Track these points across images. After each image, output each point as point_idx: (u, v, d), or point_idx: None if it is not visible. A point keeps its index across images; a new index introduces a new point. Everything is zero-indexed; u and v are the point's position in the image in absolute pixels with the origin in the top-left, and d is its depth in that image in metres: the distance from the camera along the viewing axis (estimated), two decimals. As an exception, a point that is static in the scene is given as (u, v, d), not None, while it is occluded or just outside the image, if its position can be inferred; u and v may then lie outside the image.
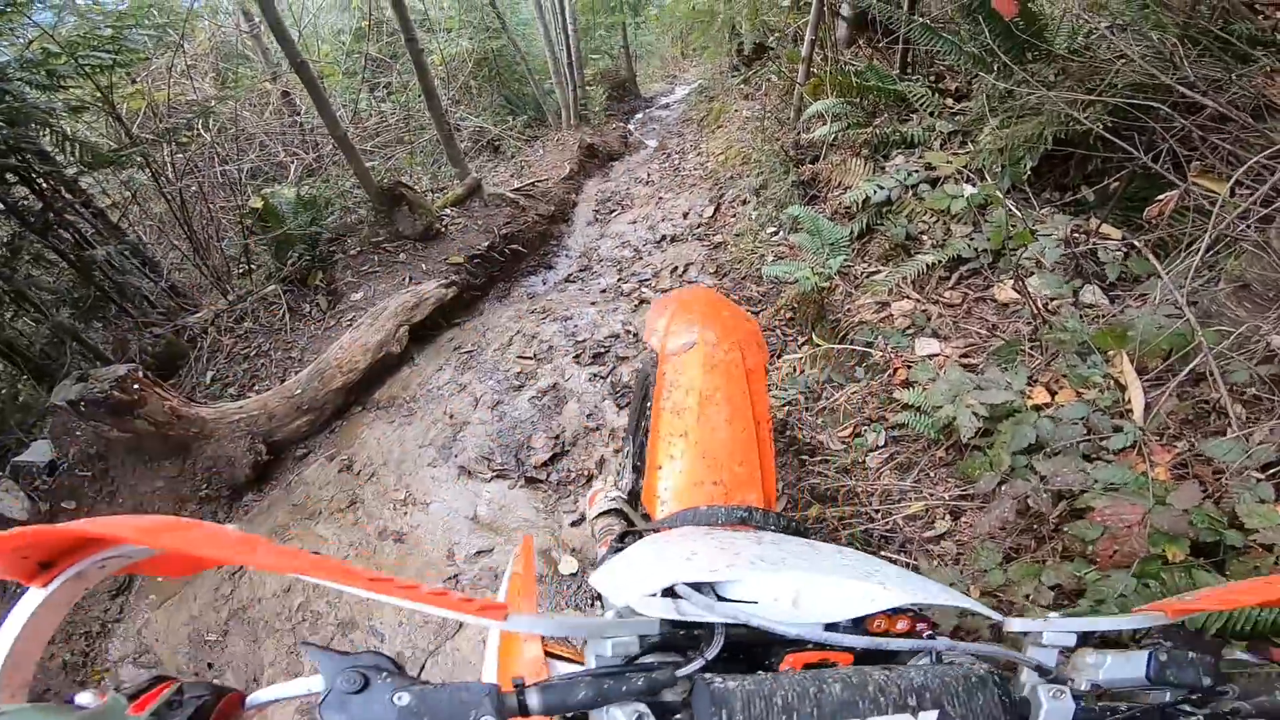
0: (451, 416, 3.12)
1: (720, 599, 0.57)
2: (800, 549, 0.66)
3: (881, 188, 2.95)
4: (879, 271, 2.79)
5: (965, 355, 2.28)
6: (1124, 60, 2.21)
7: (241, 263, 4.93)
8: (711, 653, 0.50)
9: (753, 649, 0.56)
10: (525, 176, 6.40)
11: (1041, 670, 0.53)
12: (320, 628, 2.36)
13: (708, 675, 0.47)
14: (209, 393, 3.81)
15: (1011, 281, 2.20)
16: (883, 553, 1.98)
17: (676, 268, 3.78)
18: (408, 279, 4.24)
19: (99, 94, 4.01)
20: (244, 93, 5.20)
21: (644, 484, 1.03)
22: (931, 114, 3.19)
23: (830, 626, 0.56)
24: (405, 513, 2.78)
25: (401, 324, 3.72)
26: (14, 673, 0.42)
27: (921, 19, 3.19)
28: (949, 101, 3.22)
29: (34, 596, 0.43)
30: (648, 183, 6.11)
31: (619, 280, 3.90)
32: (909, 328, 2.45)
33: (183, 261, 5.07)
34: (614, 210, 5.69)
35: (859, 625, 0.57)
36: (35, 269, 4.07)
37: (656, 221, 4.84)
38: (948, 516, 1.99)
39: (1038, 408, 1.94)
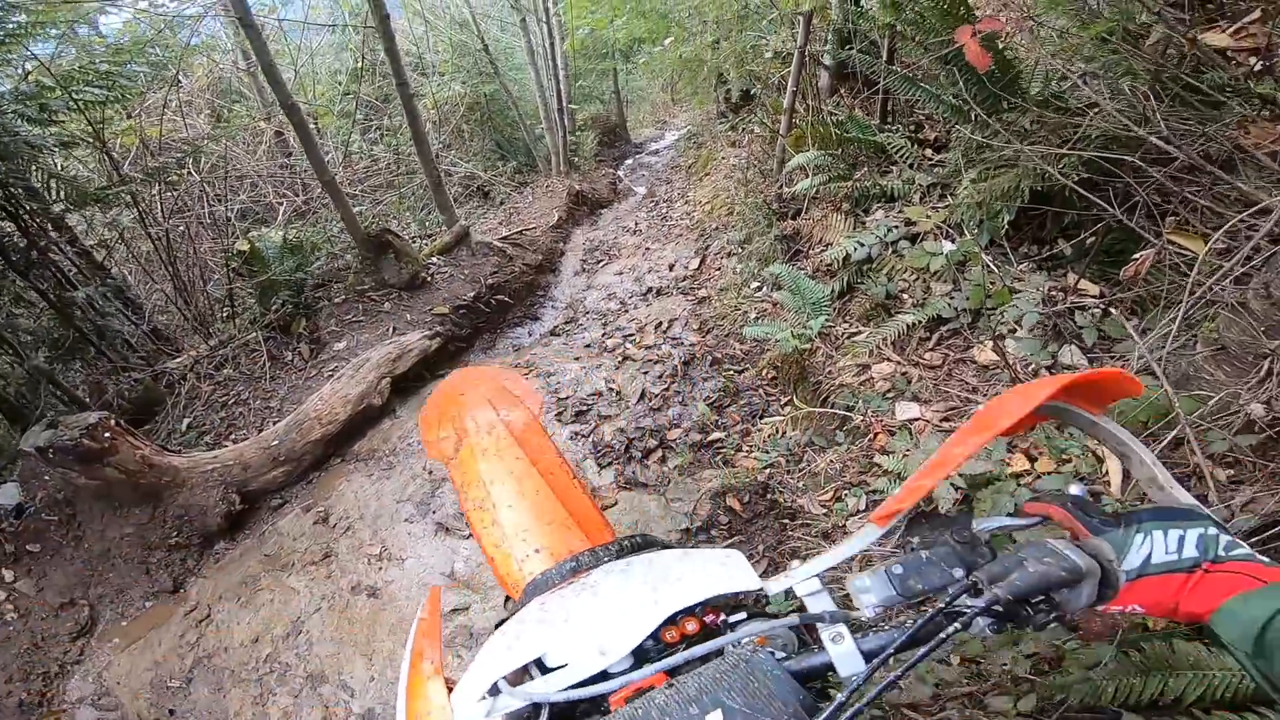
0: (430, 473, 3.09)
1: (544, 669, 0.64)
2: (615, 580, 0.71)
3: (862, 244, 2.94)
4: (860, 332, 2.80)
5: (945, 419, 2.31)
6: (1096, 110, 2.20)
7: (225, 306, 4.92)
8: None
9: (583, 703, 0.60)
10: (514, 224, 6.49)
11: (829, 618, 0.57)
12: (289, 680, 2.32)
13: None
14: (184, 441, 3.75)
15: (991, 343, 2.23)
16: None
17: (660, 323, 3.82)
18: (392, 329, 4.24)
19: (91, 129, 4.04)
20: (237, 132, 5.23)
21: (496, 578, 1.08)
22: (911, 165, 3.19)
23: (639, 651, 0.61)
24: (380, 568, 2.74)
25: (384, 376, 3.71)
26: None
27: (900, 69, 3.26)
28: (928, 152, 3.26)
29: None
30: (635, 232, 6.21)
31: (603, 335, 3.93)
32: (889, 391, 2.48)
33: (166, 304, 5.03)
34: (601, 260, 5.77)
35: (659, 641, 0.63)
36: (15, 309, 4.03)
37: (643, 273, 4.91)
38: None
39: (1017, 476, 1.94)
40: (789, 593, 0.62)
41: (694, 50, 4.86)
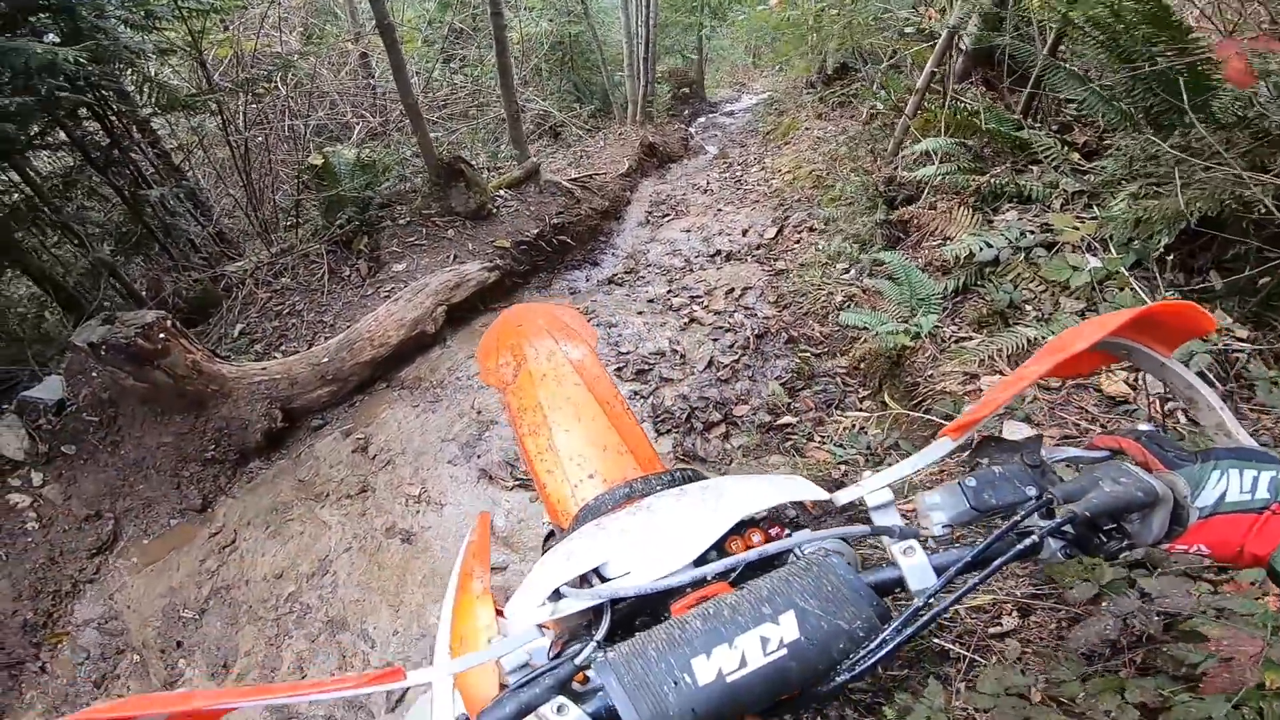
0: (479, 413, 2.97)
1: (604, 580, 0.62)
2: (670, 502, 0.70)
3: (989, 245, 2.64)
4: (971, 339, 2.51)
5: (1058, 447, 2.07)
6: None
7: (291, 216, 4.90)
8: (600, 633, 0.53)
9: (643, 613, 0.59)
10: (583, 167, 6.26)
11: (889, 532, 0.55)
12: (308, 623, 2.23)
13: (605, 651, 0.49)
14: (234, 347, 3.74)
15: (1125, 374, 1.96)
16: (937, 639, 1.79)
17: (733, 289, 3.57)
18: (452, 257, 4.12)
19: (190, 38, 3.98)
20: (326, 50, 5.12)
21: (544, 505, 1.09)
22: (1055, 168, 2.88)
23: (700, 561, 0.58)
24: (417, 511, 2.63)
25: (440, 303, 3.60)
26: None
27: (1064, 63, 2.92)
28: (1074, 156, 2.93)
29: None
30: (706, 190, 5.91)
31: (668, 292, 3.71)
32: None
33: (234, 209, 5.04)
34: (668, 215, 5.50)
35: (721, 551, 0.61)
36: (88, 202, 4.05)
37: (712, 234, 4.64)
38: (1015, 613, 1.77)
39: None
40: (857, 504, 0.61)
41: (801, 13, 4.46)
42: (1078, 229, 2.42)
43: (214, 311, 4.08)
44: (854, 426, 2.42)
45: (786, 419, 2.65)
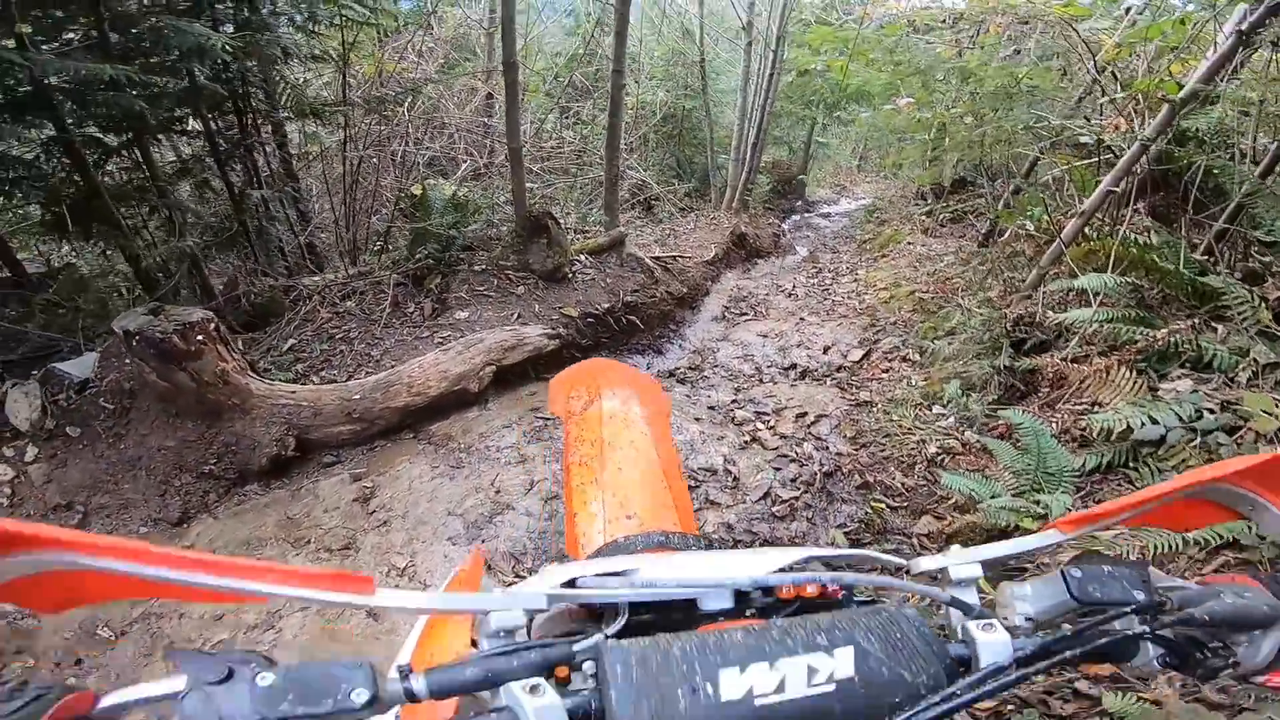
0: (498, 492, 2.68)
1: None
2: (705, 558, 0.67)
3: (1155, 421, 2.18)
4: (1110, 530, 2.07)
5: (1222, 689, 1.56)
6: None
7: (379, 240, 4.95)
8: (613, 629, 0.50)
9: (667, 627, 0.50)
10: (669, 247, 6.14)
11: (966, 609, 0.51)
12: None
13: (611, 643, 0.44)
14: (279, 361, 3.65)
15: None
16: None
17: (805, 413, 3.18)
18: (516, 316, 3.95)
19: (340, 48, 4.13)
20: (455, 81, 5.30)
21: (565, 535, 1.04)
22: (1245, 329, 2.39)
23: (740, 600, 0.54)
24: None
25: (491, 362, 3.40)
26: None
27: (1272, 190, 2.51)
28: (1267, 316, 2.44)
29: None
30: (790, 295, 5.62)
31: (733, 402, 3.36)
32: None
33: (330, 224, 5.14)
34: (745, 314, 5.23)
35: (770, 594, 0.54)
36: (199, 192, 4.17)
37: (790, 344, 4.31)
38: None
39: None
40: (936, 575, 0.54)
41: (934, 116, 4.19)
42: (1272, 415, 1.95)
43: (274, 320, 4.05)
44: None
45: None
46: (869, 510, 2.54)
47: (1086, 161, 3.49)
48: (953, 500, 2.46)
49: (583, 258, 4.64)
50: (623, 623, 0.50)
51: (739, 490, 2.63)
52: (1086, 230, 3.07)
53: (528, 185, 5.21)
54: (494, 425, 3.22)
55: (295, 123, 4.59)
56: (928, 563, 0.54)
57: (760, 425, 3.08)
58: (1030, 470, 2.30)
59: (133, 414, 2.91)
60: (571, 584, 0.51)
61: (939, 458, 2.72)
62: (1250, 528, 1.68)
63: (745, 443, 2.92)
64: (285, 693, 0.38)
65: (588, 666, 0.45)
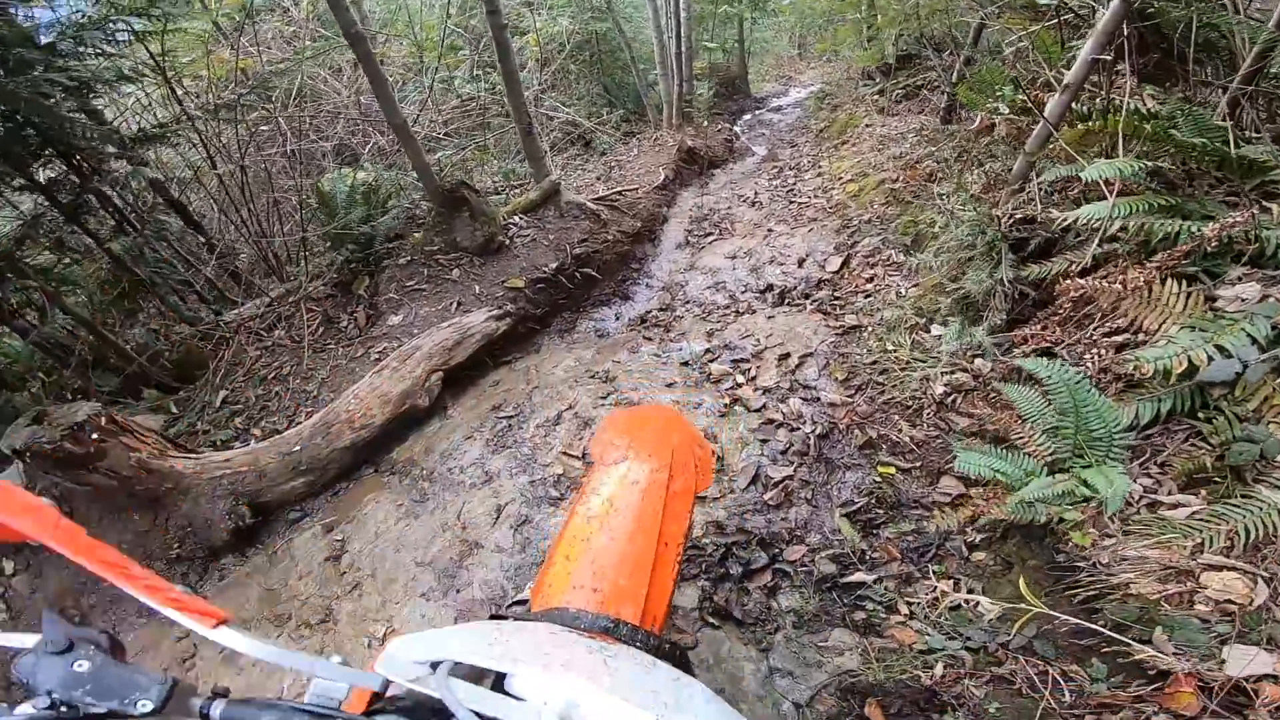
0: (464, 527, 2.35)
1: (500, 690, 0.58)
2: (634, 668, 0.65)
3: (1225, 352, 1.64)
4: (1179, 506, 1.58)
5: None
6: None
7: (300, 252, 4.46)
8: None
9: None
10: (613, 180, 5.61)
11: None
12: None
13: None
14: (216, 419, 3.27)
15: None
16: None
17: (787, 354, 2.76)
18: (455, 304, 3.53)
19: (156, 59, 3.53)
20: (311, 64, 4.63)
21: (539, 571, 1.06)
22: None
23: None
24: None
25: (435, 369, 3.02)
26: None
27: None
28: None
29: None
30: (754, 203, 5.15)
31: (707, 351, 2.95)
32: (1223, 621, 1.35)
33: (244, 244, 4.63)
34: (710, 234, 4.78)
35: None
36: (60, 253, 3.65)
37: (762, 262, 3.89)
38: None
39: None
40: None
41: None
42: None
43: (200, 373, 3.65)
44: (962, 603, 1.62)
45: (858, 575, 1.83)
46: (878, 477, 2.15)
47: (1045, 24, 2.92)
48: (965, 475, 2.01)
49: (517, 219, 4.17)
50: None
51: (725, 474, 2.25)
52: (1074, 107, 2.52)
53: (440, 155, 4.66)
54: (455, 438, 2.87)
55: (141, 152, 3.98)
56: None
57: (740, 378, 2.68)
58: (1066, 431, 1.78)
59: (76, 517, 2.62)
60: (435, 665, 0.55)
61: (949, 399, 2.28)
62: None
63: (726, 406, 2.53)
64: (86, 682, 0.43)
65: None
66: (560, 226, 4.27)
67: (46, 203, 3.34)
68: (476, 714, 0.50)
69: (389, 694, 0.57)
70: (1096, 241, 2.17)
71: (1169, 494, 1.59)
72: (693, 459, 1.27)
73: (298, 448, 2.73)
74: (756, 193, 5.39)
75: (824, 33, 7.87)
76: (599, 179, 5.72)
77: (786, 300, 3.29)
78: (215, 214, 4.83)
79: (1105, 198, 2.09)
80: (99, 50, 3.25)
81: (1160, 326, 1.90)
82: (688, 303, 3.75)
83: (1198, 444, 1.67)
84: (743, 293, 3.62)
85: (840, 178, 4.64)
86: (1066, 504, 1.65)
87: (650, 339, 3.24)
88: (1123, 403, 1.83)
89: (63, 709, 0.41)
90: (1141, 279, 1.97)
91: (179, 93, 4.01)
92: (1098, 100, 2.50)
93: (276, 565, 2.62)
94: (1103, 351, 1.98)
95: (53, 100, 3.04)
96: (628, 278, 4.44)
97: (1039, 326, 2.24)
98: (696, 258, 4.45)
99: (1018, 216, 2.45)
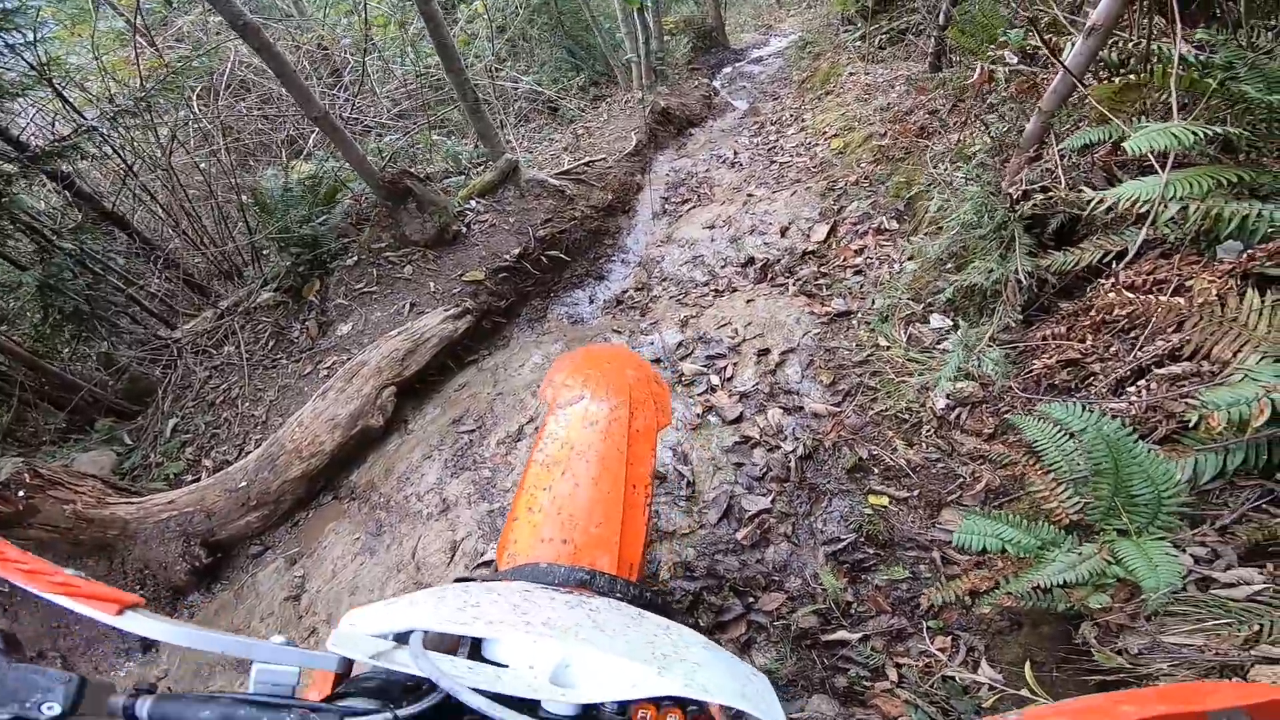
0: (419, 567, 2.12)
1: (477, 656, 0.56)
2: (621, 620, 0.61)
3: None
4: (1241, 584, 1.22)
5: None
6: None
7: (248, 260, 4.16)
8: (407, 711, 0.45)
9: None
10: (582, 150, 5.23)
11: None
12: None
13: None
14: (168, 448, 3.04)
15: None
16: None
17: (767, 349, 2.45)
18: (408, 306, 3.25)
19: (35, 71, 3.17)
20: (214, 61, 4.23)
21: (500, 535, 1.05)
22: None
23: (591, 708, 0.50)
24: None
25: (387, 384, 2.76)
26: None
27: None
28: None
29: None
30: (733, 164, 4.79)
31: (680, 347, 2.66)
32: None
33: (187, 254, 4.34)
34: (688, 200, 4.45)
35: (624, 712, 0.52)
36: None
37: (743, 231, 3.57)
38: None
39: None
40: None
41: None
42: None
43: (149, 399, 3.40)
44: (959, 677, 1.34)
45: (841, 632, 1.55)
46: (868, 510, 1.84)
47: None
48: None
49: (473, 204, 3.85)
50: (424, 707, 0.45)
51: (696, 502, 1.95)
52: (1103, 55, 1.96)
53: (387, 139, 4.31)
54: (415, 457, 2.63)
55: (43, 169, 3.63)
56: None
57: (715, 379, 2.37)
58: (1103, 491, 1.38)
59: (35, 563, 2.46)
60: (403, 638, 0.49)
61: (953, 414, 1.95)
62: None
63: (698, 417, 2.24)
64: None
65: None
66: (521, 208, 3.95)
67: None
68: (489, 705, 0.44)
69: (353, 674, 0.52)
70: (1144, 231, 1.66)
71: (1227, 568, 1.26)
72: (651, 396, 1.21)
73: (244, 483, 2.51)
74: (736, 152, 5.02)
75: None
76: (566, 149, 5.35)
77: (769, 276, 2.97)
78: (161, 223, 4.53)
79: (1149, 170, 1.66)
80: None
81: (1235, 355, 1.44)
82: (664, 280, 3.45)
83: (1271, 509, 1.32)
84: (722, 268, 3.31)
85: (824, 132, 4.26)
86: (1093, 587, 1.29)
87: (620, 331, 2.95)
88: (1177, 454, 1.42)
89: None
90: (1214, 290, 1.48)
91: (108, 95, 3.67)
92: (1131, 46, 1.96)
93: (243, 602, 2.45)
94: (1153, 385, 1.54)
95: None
96: (601, 255, 4.13)
97: (1063, 327, 1.86)
98: (673, 227, 4.13)
99: (1033, 190, 2.00)
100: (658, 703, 0.51)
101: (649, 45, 6.52)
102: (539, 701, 0.48)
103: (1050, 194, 1.96)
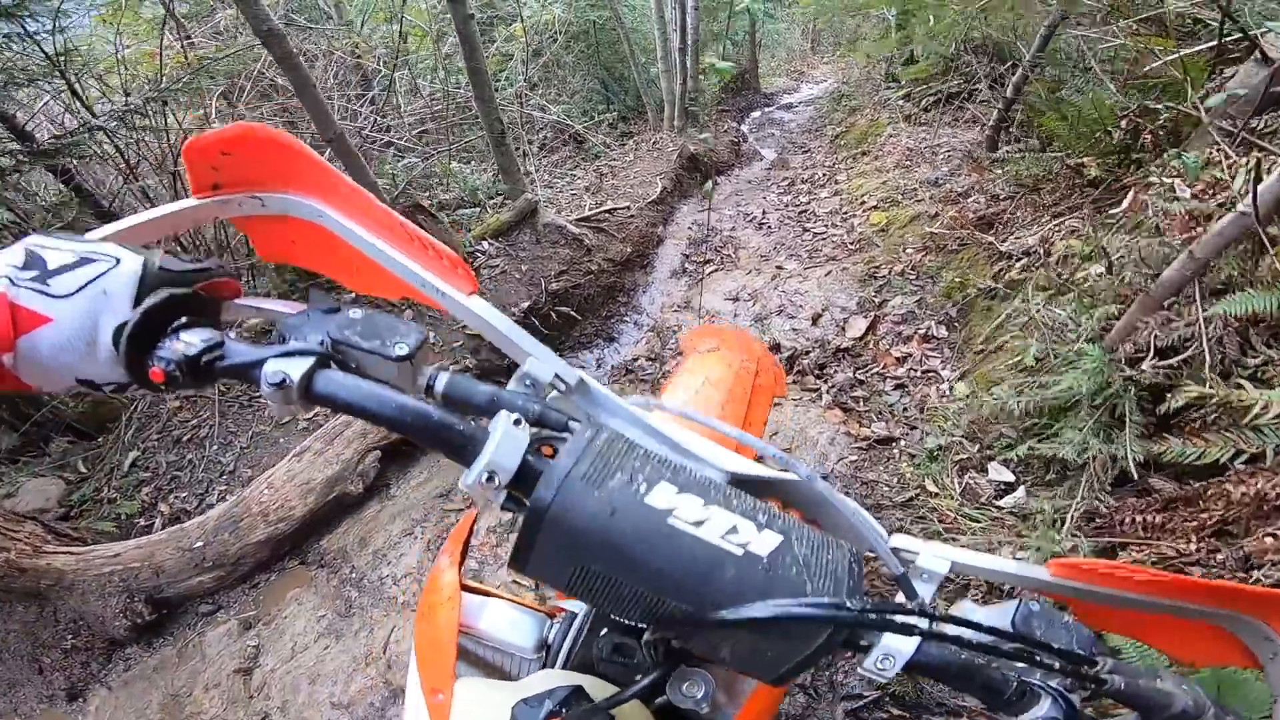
0: (390, 665, 1.89)
1: None
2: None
3: None
4: None
5: None
6: None
7: (249, 280, 3.95)
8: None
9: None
10: (604, 192, 5.07)
11: (910, 593, 0.48)
12: None
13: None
14: (124, 484, 2.80)
15: None
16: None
17: None
18: (407, 355, 3.03)
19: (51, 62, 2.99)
20: (238, 64, 4.06)
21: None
22: None
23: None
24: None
25: (372, 448, 2.52)
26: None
27: None
28: None
29: (193, 200, 0.55)
30: (761, 225, 4.62)
31: None
32: None
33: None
34: (710, 262, 4.26)
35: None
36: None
37: (769, 310, 3.36)
38: None
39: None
40: (902, 554, 0.51)
41: None
42: None
43: (113, 425, 3.16)
44: None
45: None
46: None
47: (1197, 49, 2.05)
48: None
49: (485, 245, 3.65)
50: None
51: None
52: None
53: (403, 163, 4.13)
54: (394, 532, 2.39)
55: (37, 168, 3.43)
56: (903, 540, 0.52)
57: None
58: None
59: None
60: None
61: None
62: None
63: None
64: (356, 326, 0.46)
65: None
66: (535, 255, 3.76)
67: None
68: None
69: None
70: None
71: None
72: (772, 368, 1.32)
73: (200, 543, 2.26)
74: (764, 211, 4.86)
75: (843, 27, 7.22)
76: (588, 189, 5.18)
77: (796, 367, 2.76)
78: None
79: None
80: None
81: None
82: (678, 355, 3.25)
83: None
84: (744, 348, 3.11)
85: (862, 201, 4.10)
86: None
87: (636, 379, 2.74)
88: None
89: (332, 346, 0.44)
90: None
91: (124, 89, 3.48)
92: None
93: (186, 662, 2.22)
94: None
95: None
96: (613, 314, 3.93)
97: (1158, 514, 1.56)
98: (693, 293, 3.94)
99: (1159, 364, 1.63)
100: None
101: (685, 85, 6.41)
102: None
103: (1180, 366, 1.61)
